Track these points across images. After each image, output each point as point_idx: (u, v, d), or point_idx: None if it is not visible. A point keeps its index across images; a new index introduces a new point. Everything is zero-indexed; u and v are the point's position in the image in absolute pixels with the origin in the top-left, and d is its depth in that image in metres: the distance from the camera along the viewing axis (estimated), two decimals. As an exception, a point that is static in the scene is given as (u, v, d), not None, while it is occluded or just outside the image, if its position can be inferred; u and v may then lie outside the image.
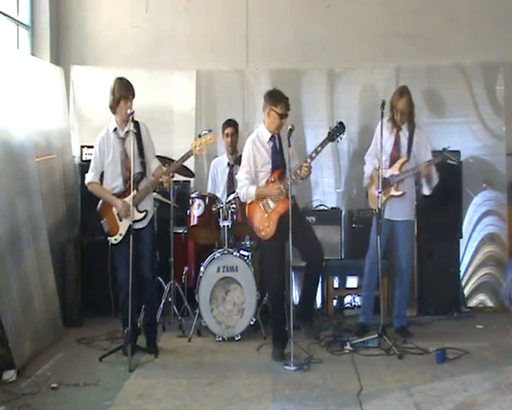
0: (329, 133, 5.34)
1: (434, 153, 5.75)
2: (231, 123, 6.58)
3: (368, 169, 5.85)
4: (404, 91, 5.73)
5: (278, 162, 5.31)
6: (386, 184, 5.61)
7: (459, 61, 7.05)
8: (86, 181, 5.35)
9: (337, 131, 5.32)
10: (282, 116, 5.28)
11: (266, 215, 5.27)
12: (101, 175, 5.33)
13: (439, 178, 5.69)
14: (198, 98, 7.21)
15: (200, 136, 5.44)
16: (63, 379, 4.65)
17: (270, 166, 5.32)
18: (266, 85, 7.10)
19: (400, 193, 5.66)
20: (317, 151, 5.30)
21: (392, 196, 5.66)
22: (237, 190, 5.51)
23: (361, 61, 7.16)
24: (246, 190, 5.30)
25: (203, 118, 7.20)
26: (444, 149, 5.63)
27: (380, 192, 5.42)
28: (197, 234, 6.14)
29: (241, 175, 5.36)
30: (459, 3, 7.19)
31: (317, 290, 5.86)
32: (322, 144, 5.31)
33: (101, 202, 5.33)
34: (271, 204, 5.28)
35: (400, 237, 5.75)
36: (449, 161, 5.62)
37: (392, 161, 5.72)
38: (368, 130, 6.97)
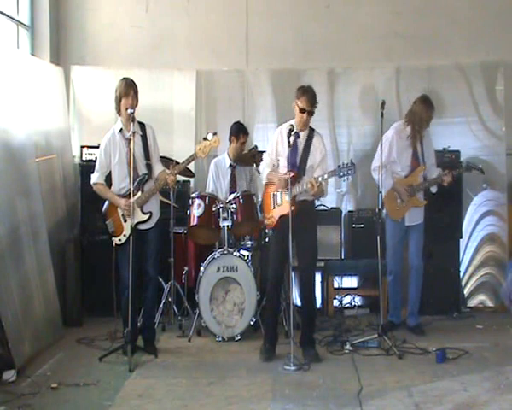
0: (339, 166, 5.02)
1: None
2: (247, 132, 6.44)
3: (387, 180, 5.84)
4: (430, 100, 5.85)
5: (292, 161, 5.17)
6: (410, 193, 5.80)
7: (459, 61, 7.05)
8: (92, 181, 5.36)
9: (346, 169, 4.93)
10: (302, 111, 5.11)
11: (272, 208, 5.25)
12: (109, 176, 5.34)
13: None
14: (198, 98, 7.20)
15: (204, 138, 5.33)
16: (63, 379, 4.66)
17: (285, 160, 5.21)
18: (266, 85, 7.15)
19: (425, 203, 5.88)
20: (322, 177, 5.04)
21: (416, 206, 5.84)
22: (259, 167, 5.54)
23: (361, 61, 7.16)
24: (263, 169, 5.38)
25: (203, 118, 7.20)
26: (467, 161, 6.03)
27: (396, 199, 5.72)
28: (197, 234, 6.13)
29: (265, 154, 5.41)
30: (459, 3, 7.18)
31: (313, 296, 5.46)
32: (329, 174, 5.03)
33: (106, 202, 5.34)
34: (279, 200, 5.23)
35: (415, 237, 5.92)
36: (474, 171, 5.98)
37: (412, 171, 5.84)
38: (368, 130, 6.98)
